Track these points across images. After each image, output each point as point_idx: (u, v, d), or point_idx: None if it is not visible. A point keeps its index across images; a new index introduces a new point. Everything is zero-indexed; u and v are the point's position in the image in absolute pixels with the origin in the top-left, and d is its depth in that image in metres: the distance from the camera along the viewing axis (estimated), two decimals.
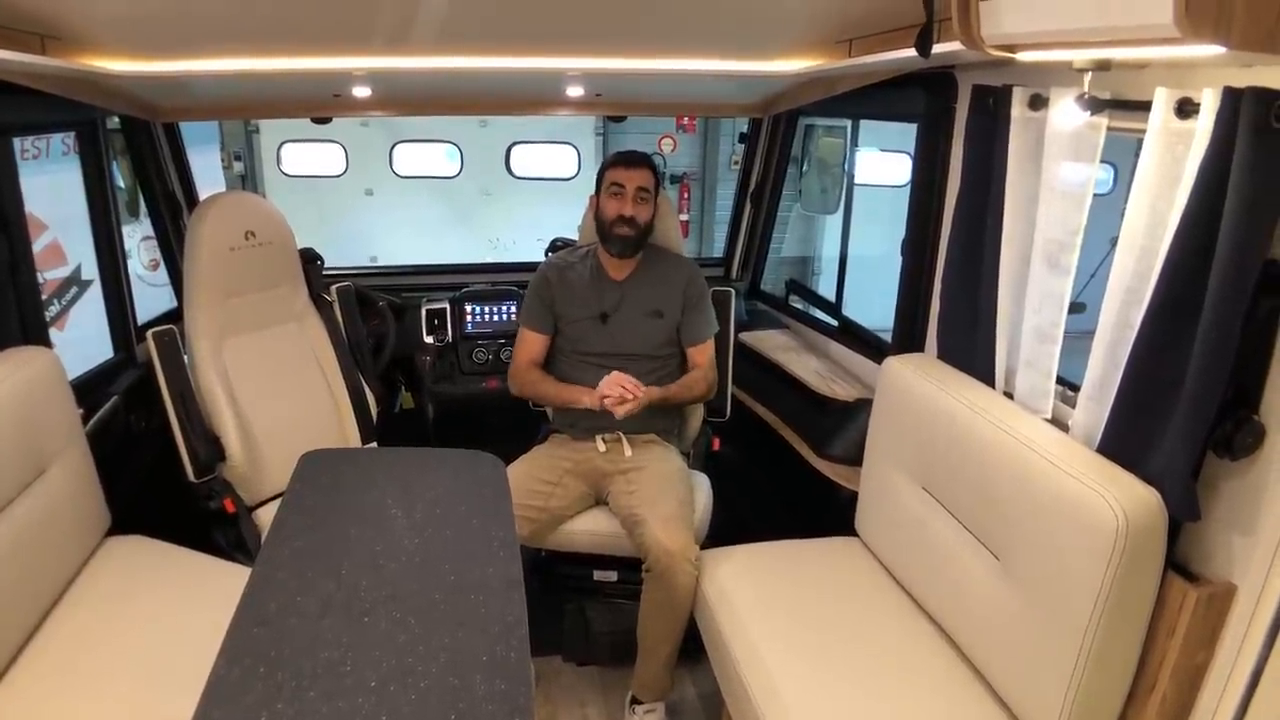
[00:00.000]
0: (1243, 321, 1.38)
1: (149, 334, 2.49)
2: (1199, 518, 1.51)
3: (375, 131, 5.99)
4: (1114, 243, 1.63)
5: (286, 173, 5.94)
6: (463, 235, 6.77)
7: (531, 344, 2.76)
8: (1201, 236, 1.41)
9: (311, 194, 5.94)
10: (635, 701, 2.49)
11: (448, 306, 3.46)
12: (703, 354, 2.77)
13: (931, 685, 1.87)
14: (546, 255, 3.11)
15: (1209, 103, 1.37)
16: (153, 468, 2.73)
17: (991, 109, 1.94)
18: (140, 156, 2.97)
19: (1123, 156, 4.89)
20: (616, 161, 2.68)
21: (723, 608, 2.14)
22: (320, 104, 2.94)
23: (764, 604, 2.13)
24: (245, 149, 6.21)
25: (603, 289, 2.71)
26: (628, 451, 2.62)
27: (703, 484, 2.73)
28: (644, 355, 2.69)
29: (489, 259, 6.66)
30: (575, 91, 2.94)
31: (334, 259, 3.32)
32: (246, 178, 6.28)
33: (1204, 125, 1.39)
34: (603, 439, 2.65)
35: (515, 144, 6.45)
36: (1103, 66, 1.52)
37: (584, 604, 2.68)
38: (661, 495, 2.42)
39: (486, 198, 6.74)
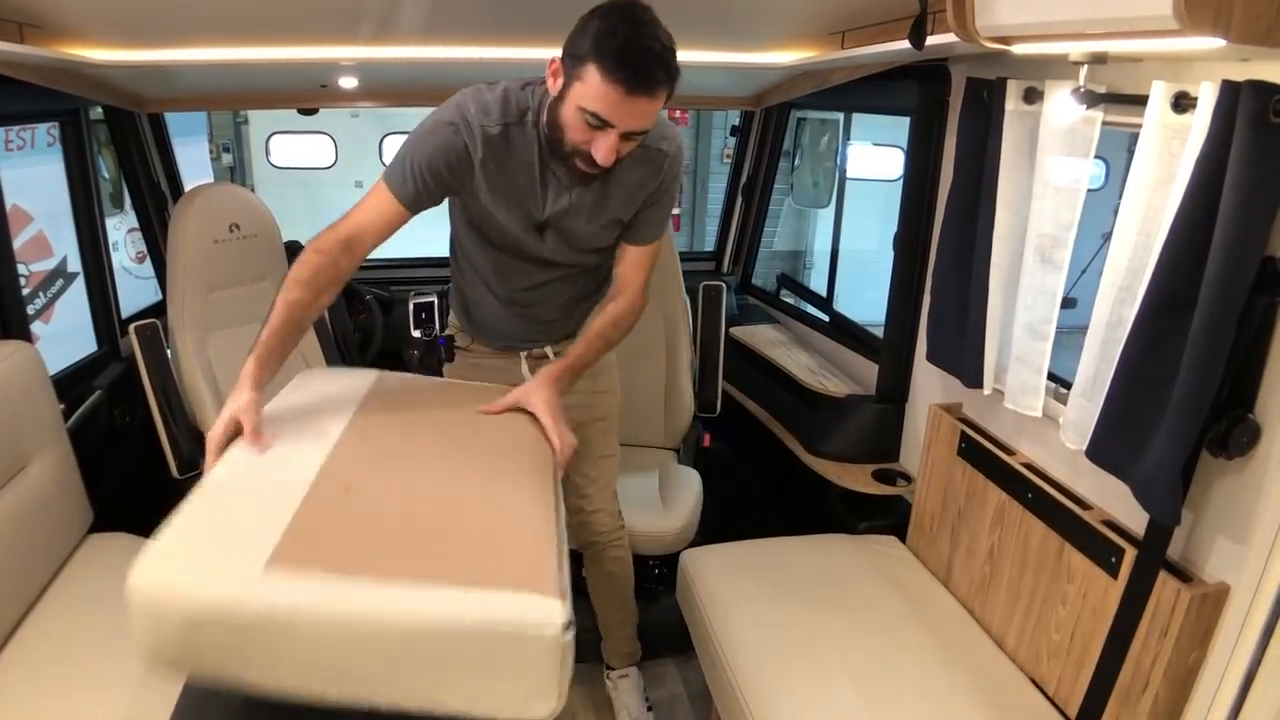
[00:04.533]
0: (1238, 319, 1.36)
1: (131, 327, 2.46)
2: (1179, 522, 1.49)
3: (365, 123, 5.94)
4: (1106, 238, 1.62)
5: (275, 164, 5.89)
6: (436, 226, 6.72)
7: (378, 215, 1.74)
8: (1197, 232, 1.39)
9: (301, 186, 5.89)
10: (609, 668, 2.54)
11: (436, 300, 3.42)
12: (641, 265, 1.95)
13: (924, 682, 1.86)
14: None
15: (1206, 96, 1.35)
16: (136, 463, 2.69)
17: (985, 102, 1.92)
18: (125, 148, 2.93)
19: (1114, 152, 4.89)
20: (618, 77, 1.52)
21: (712, 606, 2.12)
22: (307, 95, 2.90)
23: (754, 602, 2.10)
24: (234, 140, 6.16)
25: (546, 189, 1.80)
26: None
27: (693, 480, 2.71)
28: (570, 265, 1.97)
29: None
30: None
31: None
32: (235, 169, 6.23)
33: (1201, 119, 1.37)
34: (527, 356, 2.10)
35: None
36: (1099, 60, 1.50)
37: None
38: (590, 466, 2.20)
39: None
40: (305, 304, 1.65)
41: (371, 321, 3.30)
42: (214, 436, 1.48)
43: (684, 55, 2.39)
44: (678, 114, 7.40)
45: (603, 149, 1.60)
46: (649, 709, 2.49)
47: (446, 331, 2.21)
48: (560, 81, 1.61)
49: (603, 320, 1.93)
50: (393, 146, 6.22)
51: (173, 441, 2.45)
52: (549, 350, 2.10)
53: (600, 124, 1.58)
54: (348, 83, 2.71)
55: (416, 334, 3.37)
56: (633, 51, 1.52)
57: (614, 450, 2.26)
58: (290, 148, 5.78)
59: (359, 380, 1.88)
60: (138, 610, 1.13)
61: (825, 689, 1.83)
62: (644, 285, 1.97)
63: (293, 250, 2.89)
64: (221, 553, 1.22)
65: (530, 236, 1.86)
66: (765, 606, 2.09)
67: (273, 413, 1.67)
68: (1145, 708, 1.53)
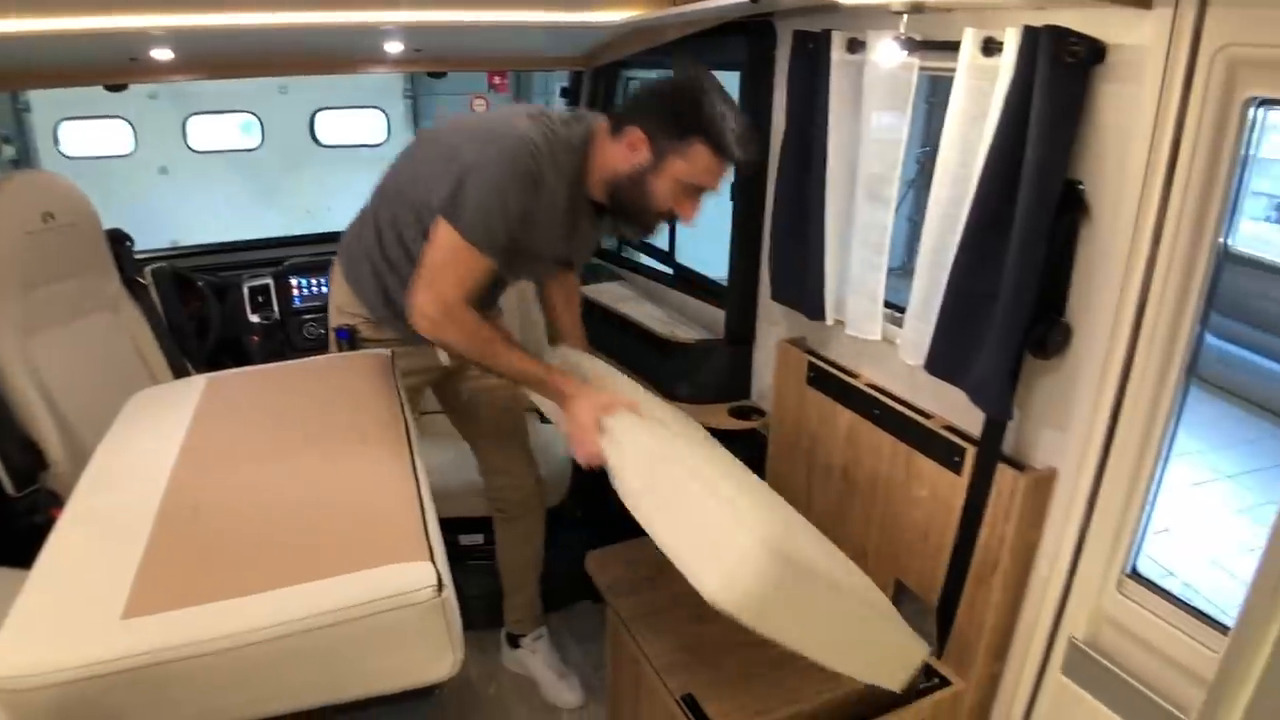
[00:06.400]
0: (1047, 236, 1.55)
1: None
2: (1011, 417, 1.70)
3: (165, 104, 5.54)
4: (910, 184, 1.77)
5: (67, 154, 5.39)
6: (273, 209, 6.40)
7: (480, 275, 1.76)
8: (1009, 162, 1.57)
9: (98, 176, 5.41)
10: (515, 638, 2.56)
11: (271, 282, 3.31)
12: None
13: None
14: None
15: (1011, 41, 1.52)
16: None
17: (812, 53, 2.05)
18: None
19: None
20: (733, 155, 1.70)
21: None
22: (116, 70, 2.68)
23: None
24: (14, 129, 5.58)
25: (576, 228, 1.89)
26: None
27: (559, 437, 2.77)
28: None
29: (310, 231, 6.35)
30: (394, 47, 2.85)
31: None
32: (20, 162, 5.66)
33: (1007, 61, 1.54)
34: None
35: (319, 111, 6.14)
36: (916, 9, 1.65)
37: (453, 571, 2.68)
38: (502, 432, 2.38)
39: (293, 168, 6.39)
40: (486, 348, 1.81)
41: (207, 309, 3.15)
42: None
43: (515, 15, 2.42)
44: (497, 80, 7.31)
45: (693, 211, 1.77)
46: (563, 660, 2.58)
47: (344, 322, 2.13)
48: (645, 156, 1.71)
49: (566, 293, 2.26)
50: (198, 128, 5.86)
51: (3, 457, 2.27)
52: None
53: (697, 191, 1.74)
54: (161, 54, 2.53)
55: (255, 318, 3.26)
56: (742, 132, 1.70)
57: (521, 414, 2.38)
58: (83, 135, 5.30)
59: (189, 390, 1.85)
60: (3, 701, 1.09)
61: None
62: None
63: (115, 238, 2.72)
64: (75, 617, 1.19)
65: (547, 267, 2.03)
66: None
67: (106, 450, 1.63)
68: (997, 583, 1.74)
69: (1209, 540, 3.65)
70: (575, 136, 1.77)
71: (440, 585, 1.27)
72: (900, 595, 2.07)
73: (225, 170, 6.25)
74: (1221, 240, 1.40)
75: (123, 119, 5.05)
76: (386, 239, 1.97)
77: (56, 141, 5.37)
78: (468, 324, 1.76)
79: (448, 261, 1.73)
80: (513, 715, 2.48)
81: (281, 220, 6.32)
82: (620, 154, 1.73)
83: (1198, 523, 3.82)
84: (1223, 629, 1.44)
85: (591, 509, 3.00)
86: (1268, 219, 5.46)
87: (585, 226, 1.88)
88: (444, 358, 2.16)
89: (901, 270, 3.16)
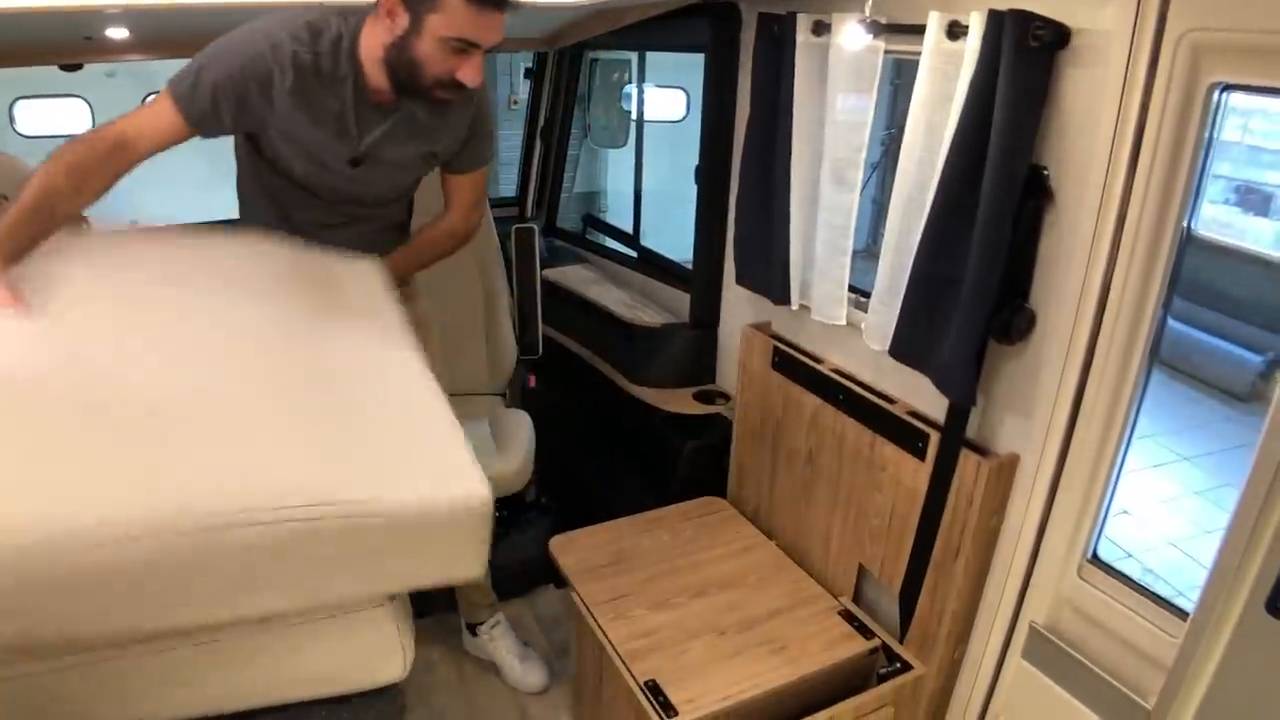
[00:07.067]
0: (1012, 221, 1.54)
1: None
2: (975, 403, 1.70)
3: (123, 82, 5.36)
4: (874, 166, 1.76)
5: (23, 134, 5.23)
6: (234, 189, 6.25)
7: (156, 126, 1.63)
8: (973, 147, 1.56)
9: None
10: (474, 626, 2.53)
11: None
12: (463, 187, 2.00)
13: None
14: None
15: (976, 25, 1.51)
16: None
17: (777, 35, 2.03)
18: None
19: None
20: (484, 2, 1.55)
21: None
22: (71, 49, 2.60)
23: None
24: None
25: (361, 121, 1.74)
26: None
27: (523, 421, 2.74)
28: (372, 205, 1.94)
29: None
30: None
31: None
32: None
33: (972, 45, 1.53)
34: None
35: None
36: None
37: None
38: None
39: None
40: (63, 193, 1.51)
41: None
42: None
43: None
44: None
45: (472, 71, 1.62)
46: (525, 644, 2.54)
47: None
48: (404, 20, 1.58)
49: (434, 229, 2.01)
50: None
51: None
52: None
53: (466, 47, 1.58)
54: (117, 33, 2.45)
55: None
56: None
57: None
58: (40, 114, 5.13)
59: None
60: None
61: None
62: (471, 207, 2.02)
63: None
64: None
65: (340, 168, 1.80)
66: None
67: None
68: (959, 570, 1.75)
69: (1167, 521, 3.71)
70: (347, 33, 1.67)
71: (488, 492, 1.17)
72: (863, 580, 2.08)
73: (186, 150, 6.08)
74: (1185, 224, 1.41)
75: (80, 98, 4.91)
76: (242, 184, 1.97)
77: (12, 121, 5.20)
78: (72, 145, 1.54)
79: (143, 107, 1.65)
80: (477, 699, 2.46)
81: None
82: (383, 29, 1.62)
83: (1156, 504, 3.89)
84: (1181, 614, 1.45)
85: (556, 495, 2.98)
86: (1227, 202, 5.54)
87: (375, 122, 1.75)
88: None
89: (866, 252, 3.16)
